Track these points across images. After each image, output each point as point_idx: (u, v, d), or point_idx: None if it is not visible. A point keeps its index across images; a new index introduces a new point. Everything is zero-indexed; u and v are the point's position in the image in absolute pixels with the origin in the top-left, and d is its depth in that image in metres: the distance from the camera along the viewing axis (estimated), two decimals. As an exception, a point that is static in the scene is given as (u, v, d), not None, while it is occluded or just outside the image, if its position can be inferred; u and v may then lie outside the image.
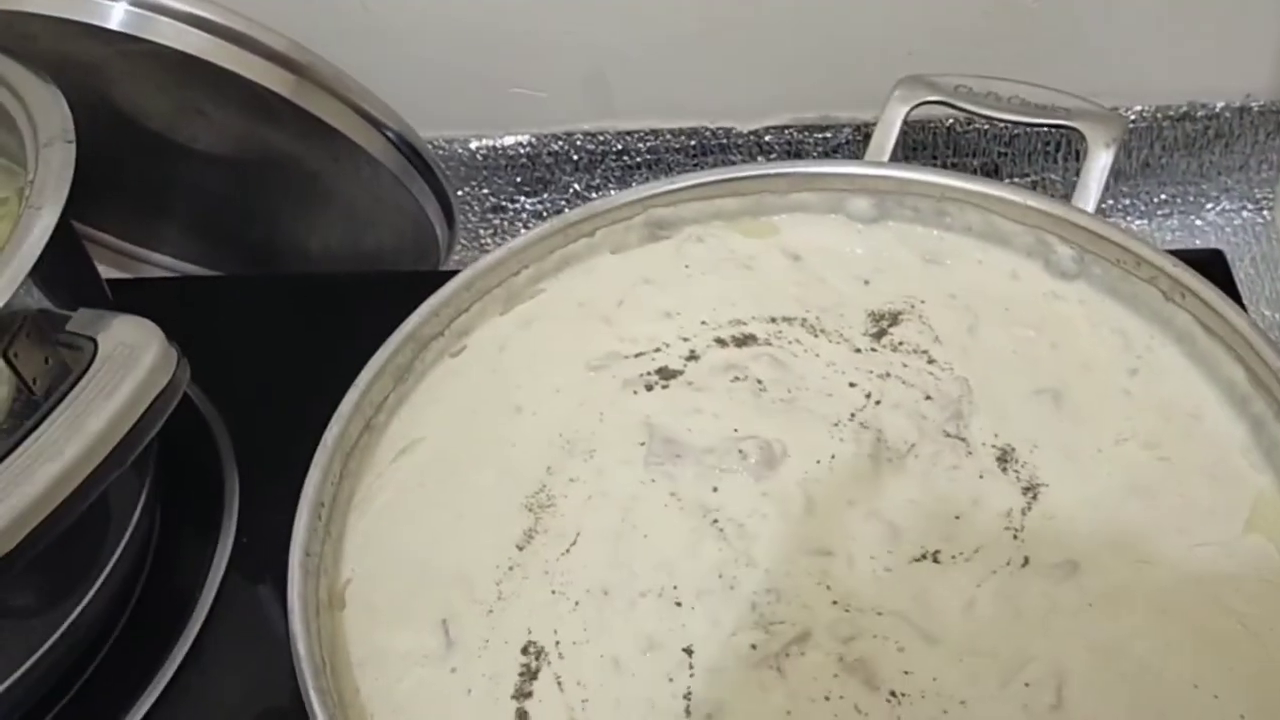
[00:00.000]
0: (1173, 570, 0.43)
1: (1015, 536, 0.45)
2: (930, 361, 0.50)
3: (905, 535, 0.45)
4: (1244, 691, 0.40)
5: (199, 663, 0.51)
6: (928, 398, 0.49)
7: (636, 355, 0.52)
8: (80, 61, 0.54)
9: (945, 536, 0.45)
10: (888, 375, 0.50)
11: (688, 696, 0.42)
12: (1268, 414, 0.45)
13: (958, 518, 0.45)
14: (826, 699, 0.41)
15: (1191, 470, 0.46)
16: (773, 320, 0.53)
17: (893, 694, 0.41)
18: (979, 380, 0.50)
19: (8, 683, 0.46)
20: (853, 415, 0.49)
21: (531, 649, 0.44)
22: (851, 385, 0.50)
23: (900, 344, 0.51)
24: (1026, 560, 0.44)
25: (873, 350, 0.51)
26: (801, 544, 0.45)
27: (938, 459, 0.47)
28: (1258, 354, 0.45)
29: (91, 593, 0.49)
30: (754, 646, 0.43)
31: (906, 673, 0.42)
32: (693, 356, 0.52)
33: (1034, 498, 0.46)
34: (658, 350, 0.52)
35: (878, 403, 0.49)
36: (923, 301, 0.53)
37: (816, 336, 0.52)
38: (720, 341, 0.52)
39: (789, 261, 0.55)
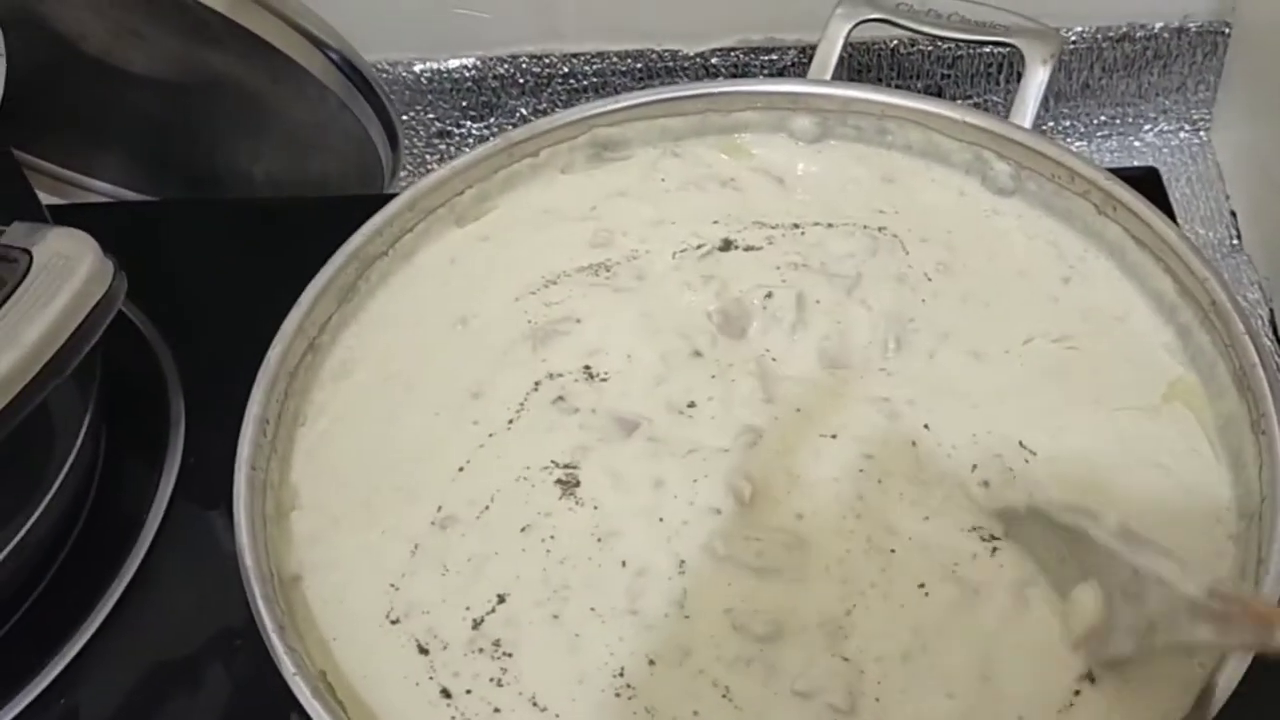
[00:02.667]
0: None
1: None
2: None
3: None
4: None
5: (147, 583, 0.51)
6: None
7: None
8: (13, -15, 0.53)
9: None
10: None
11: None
12: (1194, 322, 0.46)
13: None
14: None
15: (1104, 355, 0.47)
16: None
17: None
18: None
19: (-48, 602, 0.46)
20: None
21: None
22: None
23: None
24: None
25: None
26: None
27: None
28: (1184, 263, 0.46)
29: (36, 515, 0.49)
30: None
31: None
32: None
33: None
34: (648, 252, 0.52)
35: None
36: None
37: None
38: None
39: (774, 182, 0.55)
